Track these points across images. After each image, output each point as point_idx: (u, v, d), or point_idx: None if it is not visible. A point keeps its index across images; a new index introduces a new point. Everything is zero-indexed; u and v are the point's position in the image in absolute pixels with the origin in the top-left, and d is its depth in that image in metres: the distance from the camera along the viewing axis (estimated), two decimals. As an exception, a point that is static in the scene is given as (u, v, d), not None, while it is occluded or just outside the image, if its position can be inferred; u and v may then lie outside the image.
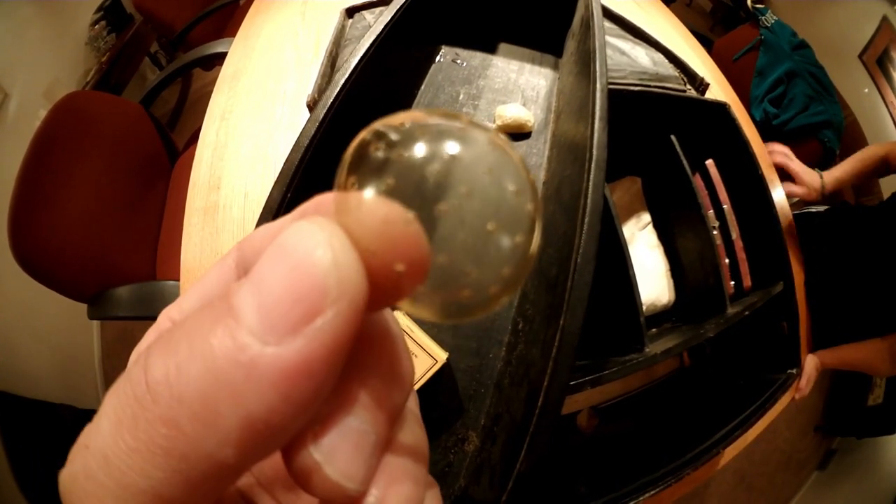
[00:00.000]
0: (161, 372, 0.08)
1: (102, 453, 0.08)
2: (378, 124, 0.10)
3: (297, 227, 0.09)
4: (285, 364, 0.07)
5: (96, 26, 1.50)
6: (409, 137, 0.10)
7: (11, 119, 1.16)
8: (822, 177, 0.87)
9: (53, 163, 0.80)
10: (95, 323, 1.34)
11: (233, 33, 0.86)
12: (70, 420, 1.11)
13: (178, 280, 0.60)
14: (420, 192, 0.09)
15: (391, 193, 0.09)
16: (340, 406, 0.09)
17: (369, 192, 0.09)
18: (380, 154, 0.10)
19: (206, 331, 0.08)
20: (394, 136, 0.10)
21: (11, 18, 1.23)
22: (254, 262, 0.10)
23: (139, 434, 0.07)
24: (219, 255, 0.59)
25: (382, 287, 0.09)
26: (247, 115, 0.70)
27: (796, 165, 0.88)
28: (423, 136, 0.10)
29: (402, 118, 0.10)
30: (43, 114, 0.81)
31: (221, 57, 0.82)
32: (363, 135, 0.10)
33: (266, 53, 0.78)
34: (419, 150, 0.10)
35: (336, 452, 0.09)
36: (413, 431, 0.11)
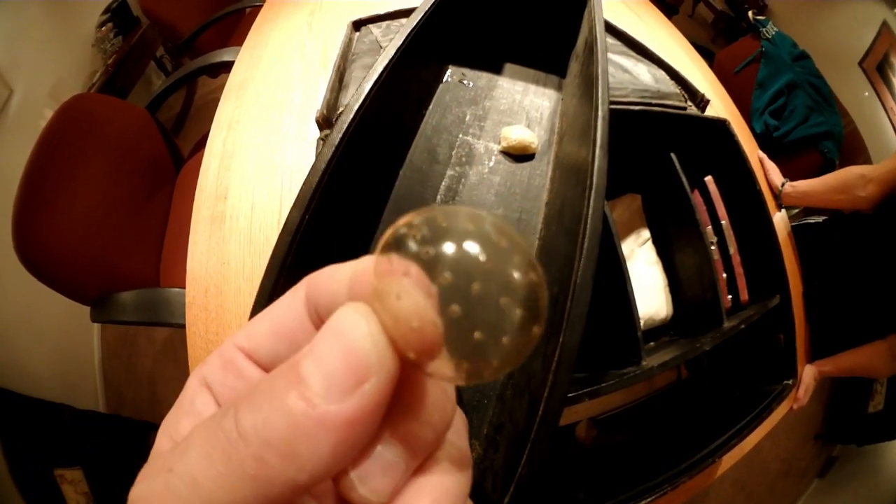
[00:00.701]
0: (250, 424, 0.11)
1: (191, 475, 0.11)
2: (417, 218, 0.12)
3: (345, 315, 0.12)
4: (345, 416, 0.11)
5: (103, 28, 1.51)
6: (443, 236, 0.12)
7: (16, 116, 1.17)
8: (783, 184, 0.91)
9: (59, 164, 0.80)
10: (96, 324, 1.35)
11: (239, 41, 0.87)
12: (68, 420, 1.12)
13: (183, 287, 0.61)
14: (441, 285, 0.12)
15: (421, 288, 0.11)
16: (376, 442, 0.12)
17: (396, 287, 0.11)
18: (415, 248, 0.12)
19: (283, 393, 0.11)
20: (429, 233, 0.12)
21: (18, 16, 1.23)
22: (325, 306, 0.14)
23: (232, 465, 0.10)
24: (225, 265, 0.60)
25: (405, 360, 0.12)
26: (254, 126, 0.71)
27: (768, 164, 0.95)
28: (456, 237, 0.12)
29: (439, 215, 0.12)
30: (48, 112, 0.81)
31: (228, 65, 0.83)
32: (401, 226, 0.12)
33: (273, 64, 0.79)
34: (451, 250, 0.12)
35: (368, 475, 0.12)
36: (449, 452, 0.14)
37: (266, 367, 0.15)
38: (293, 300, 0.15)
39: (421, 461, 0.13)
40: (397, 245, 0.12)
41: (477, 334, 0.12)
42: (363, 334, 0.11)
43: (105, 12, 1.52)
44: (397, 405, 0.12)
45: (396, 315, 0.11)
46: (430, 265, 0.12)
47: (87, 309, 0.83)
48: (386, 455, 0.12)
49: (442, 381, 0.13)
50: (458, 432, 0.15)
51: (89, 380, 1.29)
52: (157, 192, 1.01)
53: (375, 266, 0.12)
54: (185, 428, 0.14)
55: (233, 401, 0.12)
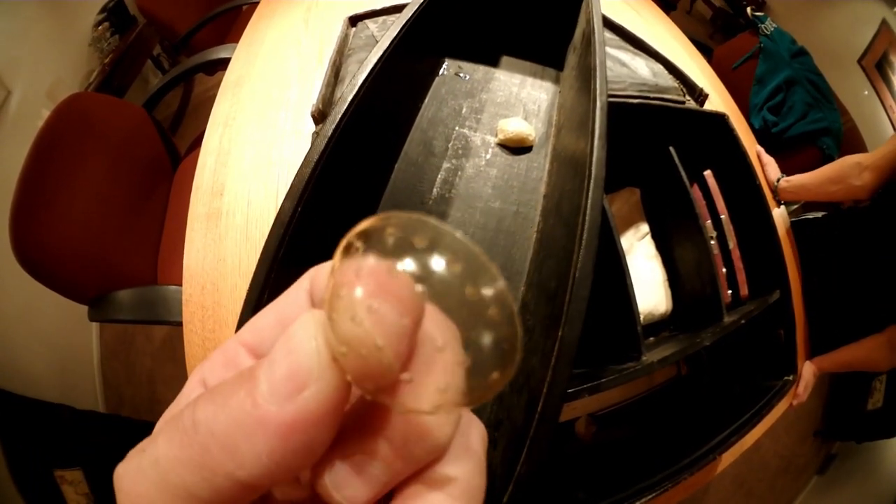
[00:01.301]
0: (202, 415, 0.11)
1: (155, 457, 0.11)
2: (371, 226, 0.12)
3: (303, 321, 0.12)
4: (282, 419, 0.11)
5: (100, 27, 1.50)
6: (399, 246, 0.11)
7: (13, 116, 1.17)
8: (778, 179, 0.90)
9: (56, 163, 0.80)
10: (95, 324, 1.35)
11: (236, 38, 0.87)
12: (68, 420, 1.11)
13: (179, 285, 0.60)
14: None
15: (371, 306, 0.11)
16: (360, 451, 0.12)
17: (351, 306, 0.11)
18: (377, 253, 0.11)
19: (236, 390, 0.11)
20: (386, 242, 0.12)
21: (15, 16, 1.23)
22: (319, 296, 0.14)
23: (184, 450, 0.11)
24: (221, 262, 0.60)
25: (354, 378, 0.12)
26: (250, 122, 0.70)
27: (765, 158, 0.94)
28: (413, 249, 0.11)
29: (395, 222, 0.12)
30: (45, 112, 0.81)
31: (224, 62, 0.83)
32: (353, 237, 0.12)
33: (269, 60, 0.79)
34: (408, 264, 0.11)
35: (343, 482, 0.12)
36: (456, 467, 0.13)
37: None
38: (298, 292, 0.15)
39: (410, 471, 0.13)
40: (363, 244, 0.11)
41: (438, 378, 0.11)
42: (309, 345, 0.11)
43: (101, 11, 1.51)
44: (377, 415, 0.12)
45: (344, 337, 0.11)
46: (400, 283, 0.11)
47: (85, 308, 0.82)
48: (364, 464, 0.12)
49: (402, 410, 0.12)
50: (466, 441, 0.14)
51: (88, 380, 1.29)
52: (155, 190, 1.01)
53: (334, 273, 0.11)
54: None
55: (201, 394, 0.12)
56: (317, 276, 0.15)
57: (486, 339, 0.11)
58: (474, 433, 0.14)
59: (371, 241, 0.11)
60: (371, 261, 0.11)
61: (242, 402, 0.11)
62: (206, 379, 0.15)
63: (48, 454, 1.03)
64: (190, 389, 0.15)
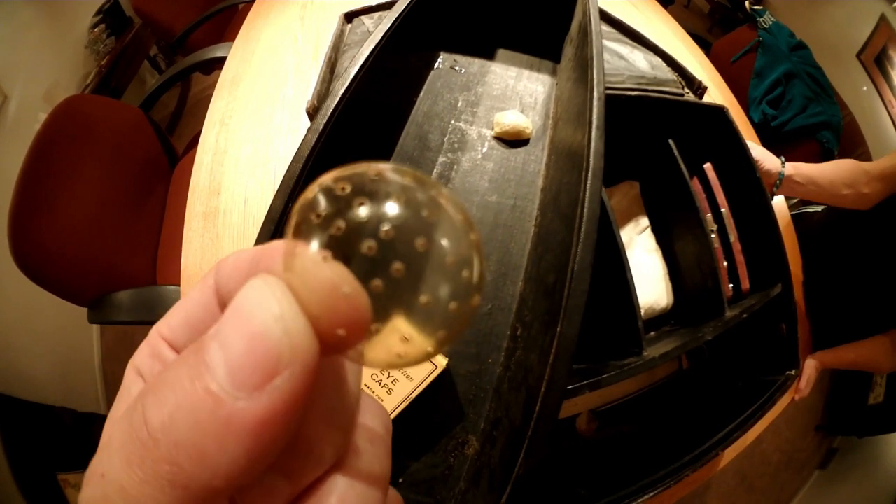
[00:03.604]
0: (157, 421, 0.09)
1: (119, 484, 0.10)
2: (330, 177, 0.11)
3: (252, 290, 0.10)
4: (254, 415, 0.09)
5: (95, 29, 1.50)
6: (358, 193, 0.11)
7: (11, 121, 1.17)
8: (783, 163, 0.82)
9: (53, 166, 0.80)
10: (95, 326, 1.34)
11: (232, 37, 0.86)
12: (70, 423, 1.11)
13: (178, 285, 0.60)
14: (364, 253, 0.10)
15: (336, 252, 0.10)
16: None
17: (316, 254, 0.10)
18: (328, 210, 0.10)
19: (188, 384, 0.10)
20: (342, 191, 0.11)
21: (11, 21, 1.23)
22: (228, 292, 0.13)
23: (147, 470, 0.09)
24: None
25: (327, 343, 0.10)
26: (246, 120, 0.70)
27: (757, 152, 0.85)
28: (374, 193, 0.11)
29: (352, 171, 0.11)
30: (42, 116, 0.81)
31: (221, 61, 0.83)
32: (314, 187, 0.11)
33: (265, 58, 0.78)
34: (367, 209, 0.10)
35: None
36: (368, 460, 0.13)
37: None
38: (204, 288, 0.14)
39: (314, 476, 0.12)
40: (313, 206, 0.11)
41: (422, 297, 0.10)
42: (273, 315, 0.09)
43: (97, 14, 1.51)
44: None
45: (319, 283, 0.09)
46: (357, 226, 0.10)
47: (85, 311, 0.82)
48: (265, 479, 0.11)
49: (369, 365, 0.11)
50: (371, 437, 0.13)
51: (90, 382, 1.29)
52: (153, 191, 1.01)
53: (290, 229, 0.11)
54: None
55: (143, 390, 0.10)
56: (221, 268, 0.14)
57: (444, 270, 0.11)
58: (377, 421, 0.14)
59: (325, 194, 0.11)
60: (322, 213, 0.10)
61: (200, 399, 0.09)
62: (139, 368, 0.14)
63: (51, 458, 1.03)
64: (129, 381, 0.14)
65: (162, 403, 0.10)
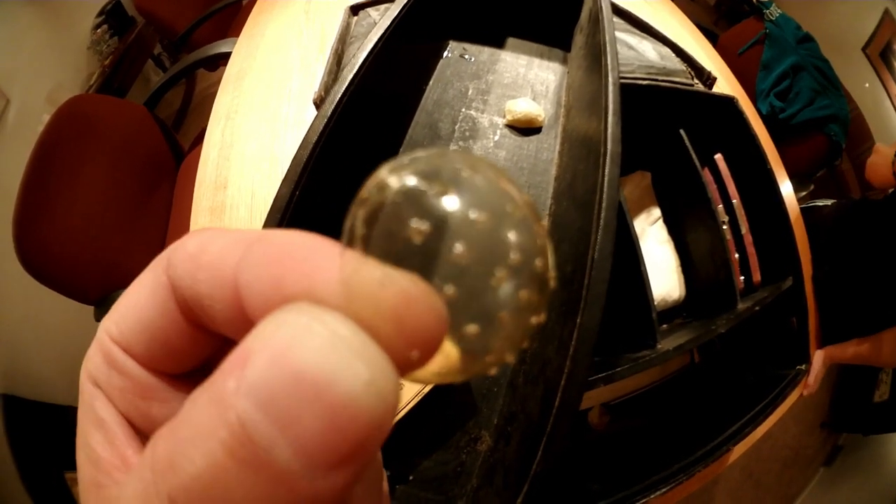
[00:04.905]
0: None
1: None
2: (411, 171, 0.09)
3: (317, 339, 0.08)
4: (335, 491, 0.08)
5: (98, 30, 1.50)
6: (443, 191, 0.09)
7: (13, 124, 1.16)
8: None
9: (58, 166, 0.79)
10: (101, 325, 1.34)
11: (236, 33, 0.86)
12: (76, 422, 1.11)
13: (185, 281, 0.60)
14: (437, 266, 0.09)
15: (419, 267, 0.09)
16: None
17: (409, 282, 0.08)
18: (414, 218, 0.09)
19: (238, 471, 0.07)
20: (429, 191, 0.09)
21: (12, 23, 1.23)
22: (198, 295, 0.10)
23: None
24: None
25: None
26: (252, 115, 0.70)
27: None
28: (448, 190, 0.09)
29: (422, 165, 0.09)
30: (46, 118, 0.81)
31: (225, 57, 0.82)
32: (392, 180, 0.09)
33: (270, 52, 0.78)
34: (445, 206, 0.09)
35: None
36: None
37: (148, 366, 0.12)
38: (155, 287, 0.11)
39: None
40: (396, 213, 0.09)
41: (503, 314, 0.09)
42: (363, 382, 0.07)
43: (99, 14, 1.50)
44: None
45: (412, 320, 0.08)
46: (444, 234, 0.08)
47: (91, 309, 0.82)
48: None
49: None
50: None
51: (95, 381, 1.29)
52: (159, 188, 1.00)
53: (357, 239, 0.09)
54: (98, 444, 0.11)
55: (156, 469, 0.08)
56: (176, 262, 0.11)
57: (533, 282, 0.09)
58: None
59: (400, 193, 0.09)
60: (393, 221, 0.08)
61: (265, 491, 0.07)
62: (94, 377, 0.12)
63: (58, 457, 1.03)
64: (88, 395, 0.12)
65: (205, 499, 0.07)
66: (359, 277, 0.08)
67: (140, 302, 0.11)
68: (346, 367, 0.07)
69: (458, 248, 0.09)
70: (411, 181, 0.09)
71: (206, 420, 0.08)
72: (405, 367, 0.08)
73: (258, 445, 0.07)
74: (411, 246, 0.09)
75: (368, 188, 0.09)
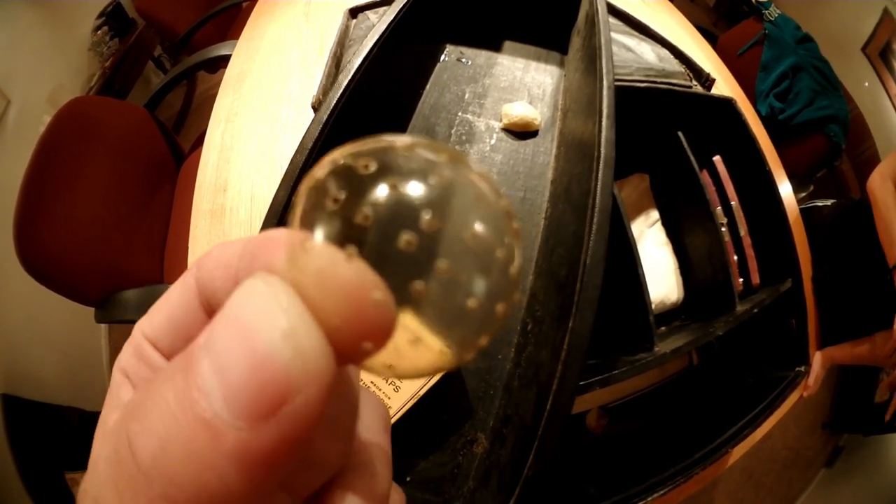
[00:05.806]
0: (147, 454, 0.08)
1: None
2: (347, 152, 0.09)
3: (250, 294, 0.08)
4: (260, 448, 0.08)
5: (99, 32, 1.50)
6: (387, 173, 0.09)
7: (14, 125, 1.17)
8: None
9: (58, 168, 0.80)
10: (103, 325, 1.35)
11: (236, 35, 0.86)
12: (77, 423, 1.11)
13: (185, 283, 0.60)
14: (402, 248, 0.09)
15: (361, 247, 0.09)
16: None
17: (336, 250, 0.08)
18: (349, 193, 0.09)
19: (179, 414, 0.08)
20: (365, 169, 0.09)
21: (13, 25, 1.23)
22: (214, 293, 0.12)
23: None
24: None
25: (344, 356, 0.09)
26: (252, 117, 0.70)
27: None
28: (406, 173, 0.09)
29: (370, 146, 0.09)
30: (46, 119, 0.81)
31: (225, 59, 0.82)
32: (326, 164, 0.09)
33: (270, 55, 0.78)
34: (401, 193, 0.09)
35: None
36: (371, 471, 0.12)
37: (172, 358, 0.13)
38: (184, 289, 0.13)
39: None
40: (328, 189, 0.09)
41: (470, 301, 0.09)
42: (281, 331, 0.08)
43: (100, 16, 1.51)
44: None
45: (342, 287, 0.08)
46: (390, 215, 0.08)
47: (92, 310, 0.82)
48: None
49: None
50: (375, 438, 0.12)
51: (98, 382, 1.29)
52: (159, 190, 1.01)
53: (297, 216, 0.09)
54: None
55: (126, 411, 0.09)
56: (202, 265, 0.12)
57: (491, 267, 0.09)
58: (375, 416, 0.13)
59: (343, 175, 0.09)
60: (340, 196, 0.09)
61: (193, 430, 0.08)
62: (125, 369, 0.13)
63: (59, 457, 1.03)
64: (116, 384, 0.13)
65: (149, 433, 0.08)
66: (295, 250, 0.09)
67: (170, 302, 0.13)
68: (269, 315, 0.08)
69: (421, 234, 0.09)
70: (361, 160, 0.09)
71: (171, 371, 0.09)
72: (359, 355, 0.09)
73: (201, 391, 0.08)
74: (367, 229, 0.09)
75: (319, 166, 0.10)
